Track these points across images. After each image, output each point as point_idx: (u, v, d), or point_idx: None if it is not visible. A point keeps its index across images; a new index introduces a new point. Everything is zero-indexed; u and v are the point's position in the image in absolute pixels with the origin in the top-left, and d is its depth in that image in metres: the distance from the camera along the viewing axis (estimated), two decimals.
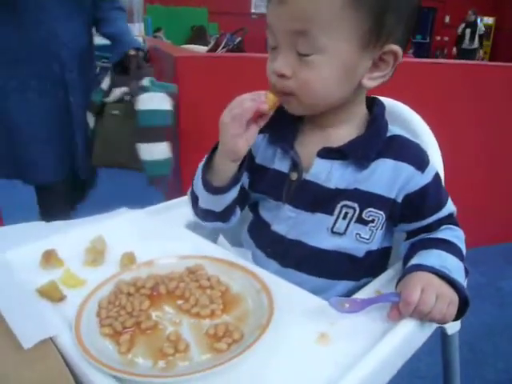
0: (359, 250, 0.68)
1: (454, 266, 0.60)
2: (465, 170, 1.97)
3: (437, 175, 0.67)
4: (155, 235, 0.74)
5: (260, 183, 0.73)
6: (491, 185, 2.19)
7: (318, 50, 0.57)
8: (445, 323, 0.56)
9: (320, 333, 0.52)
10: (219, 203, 0.70)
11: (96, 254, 0.67)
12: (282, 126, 0.69)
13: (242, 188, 0.72)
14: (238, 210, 0.75)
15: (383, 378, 0.52)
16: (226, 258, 0.65)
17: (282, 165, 0.70)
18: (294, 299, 0.58)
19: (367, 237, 0.67)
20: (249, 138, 0.62)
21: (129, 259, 0.65)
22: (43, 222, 0.78)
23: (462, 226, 0.69)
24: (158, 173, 1.39)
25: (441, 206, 0.67)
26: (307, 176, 0.67)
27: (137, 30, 5.05)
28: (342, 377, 0.46)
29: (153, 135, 1.37)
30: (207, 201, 0.70)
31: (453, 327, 0.80)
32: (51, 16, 1.36)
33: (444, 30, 10.62)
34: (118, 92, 1.43)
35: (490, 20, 9.96)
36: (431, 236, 0.67)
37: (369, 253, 0.69)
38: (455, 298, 0.56)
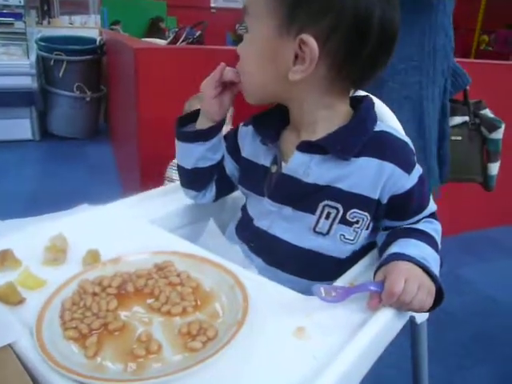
0: (343, 251, 0.67)
1: (431, 257, 0.60)
2: None
3: (421, 176, 0.66)
4: (119, 231, 0.71)
5: (246, 178, 0.74)
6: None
7: (249, 28, 0.63)
8: (421, 312, 0.56)
9: (297, 326, 0.51)
10: (189, 156, 0.75)
11: (57, 252, 0.63)
12: (267, 121, 0.70)
13: (223, 168, 0.78)
14: (213, 186, 0.79)
15: (362, 370, 0.51)
16: (195, 253, 0.62)
17: (265, 159, 0.70)
18: (268, 293, 0.57)
19: (352, 238, 0.66)
20: (223, 102, 0.71)
21: (93, 257, 0.61)
22: None
23: None
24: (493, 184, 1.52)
25: (424, 207, 0.68)
26: (285, 169, 0.66)
27: (92, 22, 4.89)
28: (322, 370, 0.44)
29: (496, 157, 1.48)
30: (178, 152, 0.77)
31: (421, 316, 0.80)
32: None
33: None
34: (458, 119, 1.44)
35: None
36: (410, 226, 0.67)
37: (353, 253, 0.68)
38: (433, 288, 0.56)
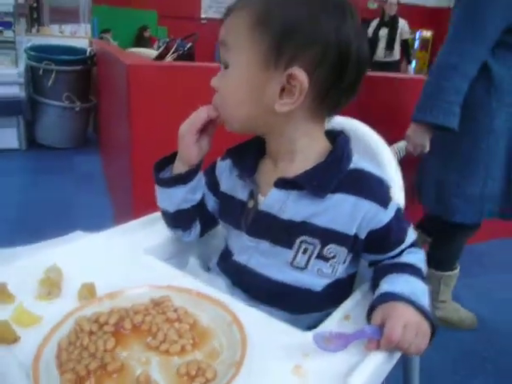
0: (319, 284, 0.68)
1: (422, 292, 0.61)
2: None
3: (399, 210, 0.67)
4: (115, 262, 0.71)
5: (224, 212, 0.75)
6: None
7: (231, 63, 0.62)
8: (417, 354, 0.57)
9: (294, 365, 0.51)
10: (170, 200, 0.75)
11: (51, 285, 0.62)
12: (245, 155, 0.70)
13: (204, 205, 0.78)
14: (197, 224, 0.78)
15: None
16: (192, 288, 0.62)
17: (243, 193, 0.70)
18: (265, 330, 0.57)
19: (329, 272, 0.67)
20: (202, 146, 0.71)
21: (88, 291, 0.61)
22: None
23: None
24: None
25: (403, 239, 0.68)
26: (262, 206, 0.67)
27: (83, 31, 4.87)
28: None
29: None
30: (159, 197, 0.77)
31: None
32: None
33: None
34: None
35: (428, 33, 10.46)
36: (397, 260, 0.68)
37: (330, 285, 0.69)
38: (428, 330, 0.57)
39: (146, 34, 7.26)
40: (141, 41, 6.92)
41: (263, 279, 0.69)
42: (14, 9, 4.02)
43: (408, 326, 0.54)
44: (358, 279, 0.75)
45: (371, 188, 0.65)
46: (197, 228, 0.79)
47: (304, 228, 0.64)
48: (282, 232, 0.66)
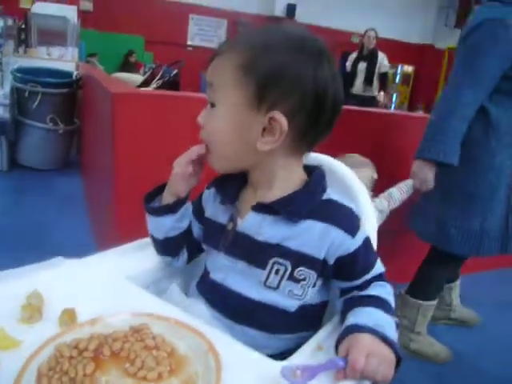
0: (291, 305, 0.72)
1: (387, 324, 0.64)
2: None
3: (367, 239, 0.72)
4: (96, 289, 0.72)
5: (206, 235, 0.80)
6: None
7: (217, 102, 0.68)
8: (384, 383, 0.60)
9: None
10: (159, 229, 0.81)
11: (32, 311, 0.64)
12: (228, 183, 0.75)
13: (191, 233, 0.83)
14: (184, 251, 0.83)
15: None
16: (171, 316, 0.64)
17: (224, 217, 0.75)
18: (240, 359, 0.59)
19: (299, 293, 0.71)
20: (190, 182, 0.77)
21: (69, 316, 0.63)
22: None
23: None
24: None
25: (369, 268, 0.72)
26: (240, 227, 0.72)
27: (70, 55, 4.91)
28: None
29: None
30: (149, 225, 0.82)
31: None
32: None
33: None
34: None
35: (409, 68, 10.83)
36: (363, 293, 0.71)
37: (302, 307, 0.72)
38: (393, 358, 0.60)
39: (132, 58, 7.37)
40: (126, 65, 7.01)
41: (238, 297, 0.72)
42: (3, 30, 4.06)
43: (371, 355, 0.58)
44: (331, 311, 0.78)
45: (340, 217, 0.70)
46: (184, 255, 0.84)
47: (277, 250, 0.69)
48: (256, 253, 0.70)
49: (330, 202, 0.71)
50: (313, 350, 0.64)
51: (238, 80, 0.65)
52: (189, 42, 9.17)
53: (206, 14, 9.12)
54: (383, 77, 5.33)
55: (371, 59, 5.20)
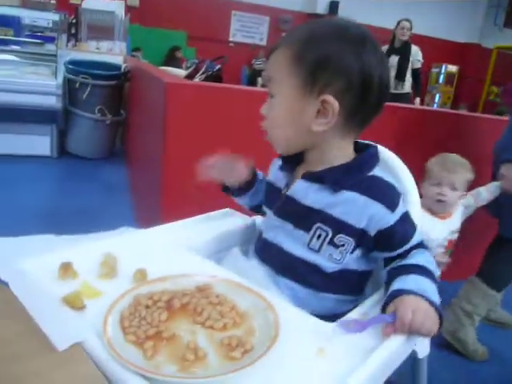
0: (331, 267, 0.79)
1: (430, 288, 0.70)
2: None
3: (405, 214, 0.78)
4: (162, 254, 0.80)
5: (266, 197, 0.90)
6: None
7: (274, 94, 0.76)
8: (429, 337, 0.67)
9: (318, 347, 0.60)
10: (242, 202, 0.99)
11: (109, 268, 0.72)
12: (290, 156, 0.83)
13: None
14: None
15: None
16: (231, 279, 0.71)
17: (281, 182, 0.85)
18: (294, 318, 0.65)
19: (338, 258, 0.78)
20: (232, 177, 0.91)
21: (141, 275, 0.71)
22: (53, 236, 0.82)
23: None
24: None
25: (407, 240, 0.78)
26: (289, 192, 0.80)
27: (117, 49, 5.10)
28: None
29: None
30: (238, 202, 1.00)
31: (423, 351, 0.88)
32: None
33: None
34: None
35: (453, 68, 10.58)
36: (405, 262, 0.77)
37: (341, 271, 0.79)
38: (436, 316, 0.66)
39: (178, 54, 7.52)
40: (172, 60, 7.15)
41: (285, 254, 0.81)
42: (58, 25, 4.25)
43: (417, 311, 0.64)
44: (375, 281, 0.83)
45: (382, 192, 0.76)
46: None
47: (321, 216, 0.77)
48: (302, 216, 0.79)
49: (374, 177, 0.77)
50: (359, 316, 0.69)
51: (290, 70, 0.72)
52: (230, 38, 9.28)
53: (249, 10, 9.20)
54: (416, 73, 4.59)
55: (404, 53, 4.50)
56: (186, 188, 1.78)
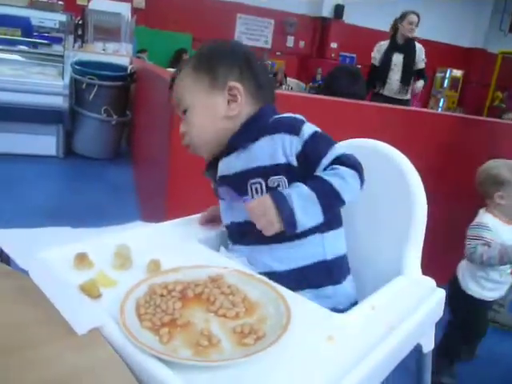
0: None
1: (296, 193, 0.76)
2: None
3: (313, 134, 0.82)
4: (175, 247, 0.83)
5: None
6: None
7: (188, 107, 0.86)
8: (265, 232, 0.77)
9: (328, 335, 0.61)
10: None
11: (123, 259, 0.74)
12: (212, 162, 0.92)
13: None
14: None
15: (380, 375, 0.61)
16: (242, 270, 0.73)
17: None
18: (304, 309, 0.67)
19: None
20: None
21: (155, 265, 0.73)
22: (69, 228, 0.84)
23: None
24: None
25: (322, 154, 0.80)
26: (218, 173, 0.89)
27: (124, 50, 5.13)
28: (348, 372, 0.55)
29: None
30: None
31: (427, 346, 0.90)
32: None
33: None
34: None
35: (458, 73, 10.60)
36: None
37: None
38: (275, 218, 0.75)
39: (185, 56, 7.56)
40: (178, 62, 7.20)
41: (246, 223, 0.83)
42: (66, 26, 4.29)
43: (259, 205, 0.76)
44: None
45: (282, 124, 0.84)
46: None
47: (247, 175, 0.84)
48: (236, 185, 0.85)
49: (275, 119, 0.86)
50: (367, 308, 0.71)
51: (193, 80, 0.86)
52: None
53: (254, 13, 9.25)
54: (421, 74, 3.89)
55: (408, 51, 3.79)
56: (192, 188, 1.81)
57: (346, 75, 2.27)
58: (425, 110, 2.30)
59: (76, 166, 4.04)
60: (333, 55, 9.44)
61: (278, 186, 0.81)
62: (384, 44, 3.87)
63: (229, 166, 0.87)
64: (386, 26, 4.07)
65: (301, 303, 0.69)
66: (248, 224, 0.81)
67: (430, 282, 0.84)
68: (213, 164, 0.91)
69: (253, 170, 0.83)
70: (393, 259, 0.88)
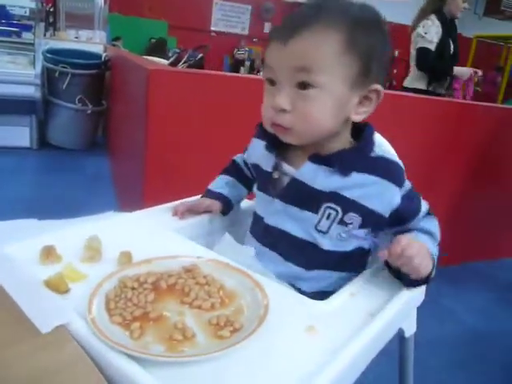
0: (336, 245, 0.78)
1: (430, 243, 0.76)
2: None
3: (411, 188, 0.78)
4: (147, 237, 0.79)
5: (258, 182, 0.87)
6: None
7: (316, 85, 0.67)
8: (417, 274, 0.69)
9: (308, 325, 0.59)
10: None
11: (93, 251, 0.71)
12: (277, 138, 0.77)
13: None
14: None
15: (363, 363, 0.59)
16: (218, 259, 0.71)
17: (267, 164, 0.82)
18: (282, 296, 0.65)
19: (345, 236, 0.77)
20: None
21: (126, 257, 0.69)
22: (36, 220, 0.80)
23: None
24: None
25: (417, 213, 0.79)
26: (296, 175, 0.77)
27: (97, 38, 5.00)
28: (329, 362, 0.53)
29: None
30: None
31: (409, 330, 0.89)
32: None
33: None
34: None
35: None
36: (410, 227, 0.80)
37: (345, 250, 0.79)
38: (430, 262, 0.70)
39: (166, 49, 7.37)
40: (159, 51, 7.04)
41: (291, 237, 0.79)
42: (35, 13, 4.15)
43: (412, 244, 0.67)
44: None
45: (389, 171, 0.75)
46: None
47: (330, 197, 0.75)
48: (309, 199, 0.76)
49: (379, 157, 0.76)
50: (346, 296, 0.69)
51: (341, 59, 0.67)
52: (212, 28, 9.18)
53: None
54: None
55: (455, 37, 3.01)
56: (169, 176, 1.77)
57: None
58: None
59: (51, 157, 3.94)
60: None
61: (351, 223, 0.75)
62: (430, 22, 2.84)
63: (315, 176, 0.75)
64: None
65: (279, 291, 0.66)
66: (285, 235, 0.79)
67: None
68: (272, 145, 0.80)
69: (340, 198, 0.74)
70: None
